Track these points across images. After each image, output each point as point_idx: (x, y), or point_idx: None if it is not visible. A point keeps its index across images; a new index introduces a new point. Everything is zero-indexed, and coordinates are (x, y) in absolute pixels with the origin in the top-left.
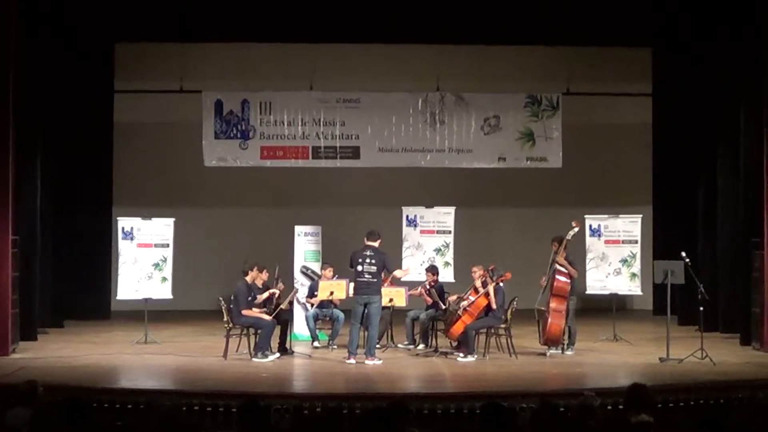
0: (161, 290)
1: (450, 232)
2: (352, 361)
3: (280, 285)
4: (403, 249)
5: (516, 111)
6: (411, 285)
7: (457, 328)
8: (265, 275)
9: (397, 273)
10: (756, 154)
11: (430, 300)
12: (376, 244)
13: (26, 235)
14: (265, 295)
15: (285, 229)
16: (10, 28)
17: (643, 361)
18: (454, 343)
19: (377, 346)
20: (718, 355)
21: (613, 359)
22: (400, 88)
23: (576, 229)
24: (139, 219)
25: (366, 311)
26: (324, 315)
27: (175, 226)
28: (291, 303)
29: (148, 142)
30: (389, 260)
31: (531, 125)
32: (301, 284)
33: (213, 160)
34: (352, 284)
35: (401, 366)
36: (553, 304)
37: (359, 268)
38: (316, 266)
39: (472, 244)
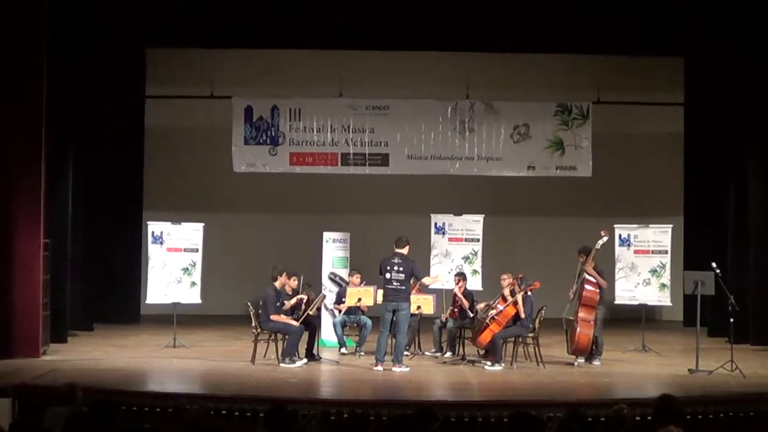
0: (190, 295)
1: (478, 240)
2: (380, 368)
3: (309, 292)
4: (432, 256)
5: (546, 119)
6: (440, 292)
7: (485, 337)
8: (293, 282)
9: (425, 280)
10: None
11: (467, 302)
12: (404, 251)
13: (57, 238)
14: (293, 301)
15: (313, 235)
16: (42, 34)
17: (672, 373)
18: (482, 352)
19: (405, 353)
20: (748, 367)
21: (641, 370)
22: (430, 96)
23: (605, 239)
24: (168, 223)
25: (394, 318)
26: (352, 321)
27: (205, 231)
28: (318, 309)
29: (179, 147)
30: (417, 268)
31: (561, 134)
32: (329, 291)
33: (242, 165)
34: (380, 291)
35: (428, 373)
36: (582, 314)
37: (387, 275)
38: (344, 273)
39: (500, 253)
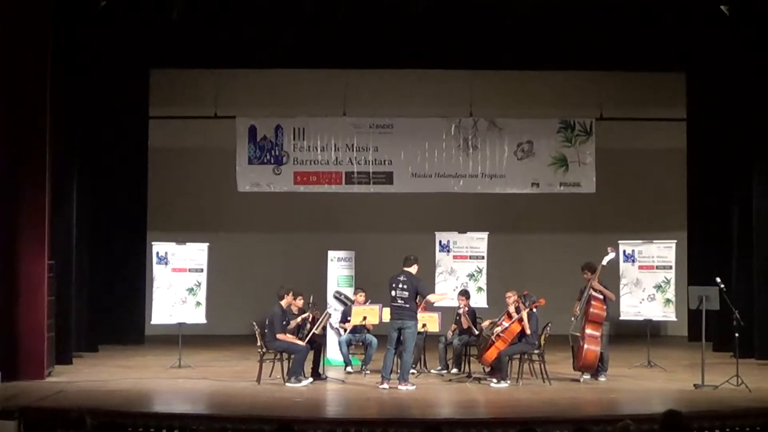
0: (195, 315)
1: (483, 257)
2: (386, 386)
3: (316, 311)
4: (436, 274)
5: (549, 136)
6: (445, 310)
7: (491, 354)
8: (300, 302)
9: (431, 297)
10: None
11: (466, 323)
12: (410, 269)
13: (62, 259)
14: (298, 320)
15: (318, 254)
16: (47, 55)
17: (678, 388)
18: (488, 369)
19: (411, 371)
20: (754, 381)
21: (647, 385)
22: (433, 114)
23: (612, 255)
24: (173, 244)
25: (400, 336)
26: (357, 340)
27: (209, 251)
28: (324, 328)
29: (183, 168)
30: (421, 286)
31: (564, 150)
32: (334, 309)
33: (247, 185)
34: (386, 309)
35: (434, 391)
36: (588, 330)
37: (392, 293)
38: (349, 291)
39: (505, 270)
